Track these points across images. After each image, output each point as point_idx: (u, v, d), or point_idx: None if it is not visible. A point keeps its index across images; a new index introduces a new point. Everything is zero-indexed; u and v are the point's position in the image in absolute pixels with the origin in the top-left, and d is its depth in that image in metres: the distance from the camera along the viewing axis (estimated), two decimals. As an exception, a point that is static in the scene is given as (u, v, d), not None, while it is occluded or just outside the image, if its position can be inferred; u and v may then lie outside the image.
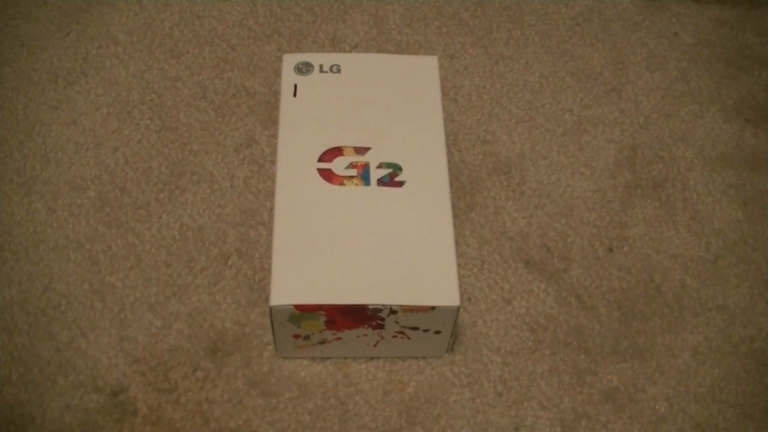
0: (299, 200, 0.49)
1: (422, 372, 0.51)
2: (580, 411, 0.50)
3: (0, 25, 0.66)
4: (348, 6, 0.68)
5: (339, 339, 0.48)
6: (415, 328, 0.48)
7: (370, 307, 0.45)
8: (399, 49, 0.66)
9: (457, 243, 0.55)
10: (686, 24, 0.69)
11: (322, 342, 0.49)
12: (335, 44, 0.66)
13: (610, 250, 0.56)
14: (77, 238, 0.55)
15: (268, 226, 0.56)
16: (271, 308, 0.45)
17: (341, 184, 0.50)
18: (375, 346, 0.49)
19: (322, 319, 0.46)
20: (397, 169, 0.50)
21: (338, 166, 0.50)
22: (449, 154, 0.59)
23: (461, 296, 0.50)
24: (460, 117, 0.62)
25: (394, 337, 0.48)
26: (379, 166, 0.50)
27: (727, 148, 0.62)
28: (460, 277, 0.54)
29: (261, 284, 0.53)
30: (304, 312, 0.46)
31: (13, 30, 0.66)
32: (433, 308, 0.46)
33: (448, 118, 0.62)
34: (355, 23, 0.67)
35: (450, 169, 0.51)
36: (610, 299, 0.54)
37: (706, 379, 0.51)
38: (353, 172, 0.50)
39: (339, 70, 0.55)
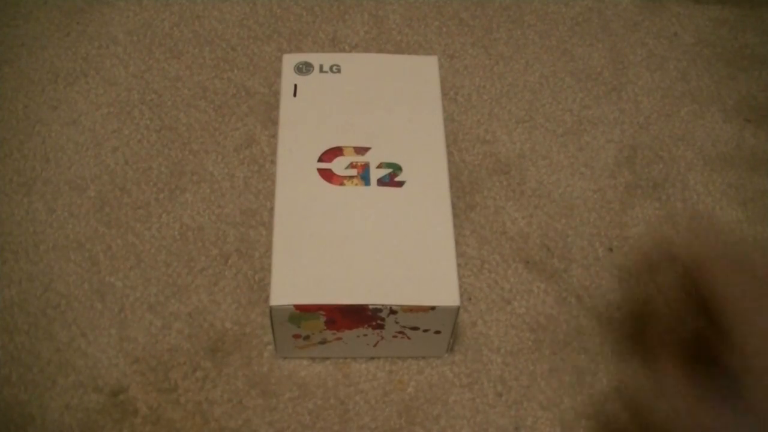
0: (299, 200, 0.49)
1: (422, 372, 0.51)
2: (580, 411, 0.50)
3: (0, 25, 0.66)
4: (348, 6, 0.68)
5: (339, 339, 0.48)
6: (415, 328, 0.48)
7: (370, 307, 0.45)
8: (399, 49, 0.66)
9: (457, 243, 0.55)
10: (686, 24, 0.69)
11: (322, 342, 0.49)
12: (335, 44, 0.66)
13: (610, 250, 0.56)
14: (77, 238, 0.55)
15: (268, 226, 0.56)
16: (271, 308, 0.45)
17: (341, 184, 0.50)
18: (375, 346, 0.49)
19: (322, 319, 0.46)
20: (397, 169, 0.50)
21: (338, 166, 0.50)
22: (449, 154, 0.59)
23: (461, 296, 0.50)
24: (460, 117, 0.62)
25: (394, 337, 0.48)
26: (379, 166, 0.50)
27: (727, 148, 0.62)
28: (460, 277, 0.54)
29: (261, 284, 0.53)
30: (304, 312, 0.46)
31: (13, 30, 0.66)
32: (433, 308, 0.46)
33: (448, 118, 0.62)
34: (355, 23, 0.67)
35: (450, 169, 0.51)
36: (610, 299, 0.54)
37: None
38: (353, 172, 0.50)
39: (339, 70, 0.55)
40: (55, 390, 0.49)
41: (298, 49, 0.66)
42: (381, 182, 0.50)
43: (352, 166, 0.50)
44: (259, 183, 0.58)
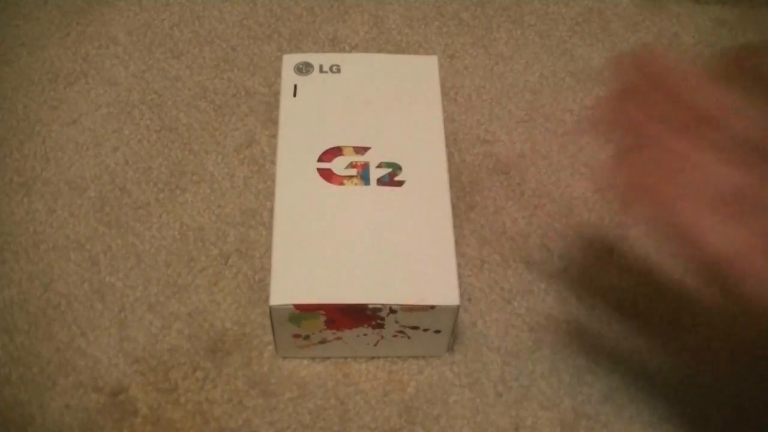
0: (299, 200, 0.49)
1: (422, 372, 0.50)
2: (580, 411, 0.50)
3: (0, 25, 0.66)
4: (348, 6, 0.68)
5: (339, 338, 0.48)
6: (415, 328, 0.48)
7: (370, 306, 0.45)
8: (399, 49, 0.66)
9: (457, 243, 0.55)
10: (686, 24, 0.69)
11: (322, 342, 0.49)
12: (335, 44, 0.66)
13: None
14: (77, 238, 0.55)
15: (268, 226, 0.56)
16: (270, 308, 0.45)
17: (341, 183, 0.50)
18: (375, 345, 0.49)
19: (322, 318, 0.46)
20: (396, 168, 0.50)
21: (338, 165, 0.50)
22: (449, 154, 0.59)
23: (461, 296, 0.50)
24: (460, 117, 0.62)
25: (394, 336, 0.48)
26: (379, 166, 0.50)
27: (727, 148, 0.62)
28: (460, 277, 0.54)
29: (261, 284, 0.53)
30: (304, 312, 0.46)
31: (13, 30, 0.66)
32: (432, 307, 0.46)
33: (448, 118, 0.62)
34: (355, 23, 0.67)
35: (450, 169, 0.51)
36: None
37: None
38: (353, 171, 0.50)
39: (339, 70, 0.55)
40: (55, 390, 0.49)
41: (298, 49, 0.66)
42: (381, 182, 0.50)
43: (351, 165, 0.50)
44: (259, 183, 0.58)
